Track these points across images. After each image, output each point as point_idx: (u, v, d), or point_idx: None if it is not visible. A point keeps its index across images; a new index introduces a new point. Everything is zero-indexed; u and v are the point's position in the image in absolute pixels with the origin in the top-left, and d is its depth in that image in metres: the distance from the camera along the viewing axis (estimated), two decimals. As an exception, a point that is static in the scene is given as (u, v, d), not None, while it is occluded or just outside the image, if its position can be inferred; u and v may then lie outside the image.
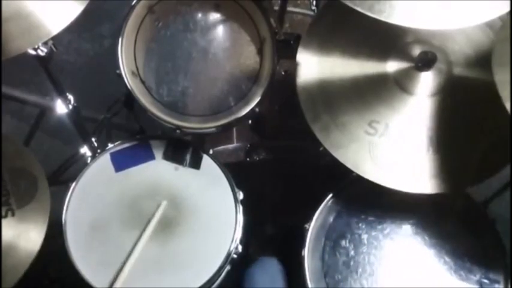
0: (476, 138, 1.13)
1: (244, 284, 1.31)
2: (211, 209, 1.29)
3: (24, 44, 0.96)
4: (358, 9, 0.87)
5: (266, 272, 1.33)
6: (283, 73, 1.40)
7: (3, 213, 1.10)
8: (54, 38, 1.03)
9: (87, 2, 0.99)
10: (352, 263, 1.21)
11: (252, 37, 1.35)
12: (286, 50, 1.33)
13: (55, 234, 1.20)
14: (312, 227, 1.24)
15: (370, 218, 1.26)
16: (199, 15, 1.36)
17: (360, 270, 1.20)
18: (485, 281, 1.18)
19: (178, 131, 1.32)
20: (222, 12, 1.36)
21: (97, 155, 1.35)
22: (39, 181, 1.16)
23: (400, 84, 1.17)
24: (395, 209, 1.25)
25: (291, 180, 1.58)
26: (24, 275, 1.05)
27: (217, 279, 1.23)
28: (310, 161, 1.50)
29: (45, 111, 1.86)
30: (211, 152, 1.37)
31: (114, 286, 1.17)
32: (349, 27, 1.23)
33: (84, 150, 1.44)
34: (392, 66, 1.18)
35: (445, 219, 1.25)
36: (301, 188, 1.54)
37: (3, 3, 0.93)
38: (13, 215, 1.11)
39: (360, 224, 1.26)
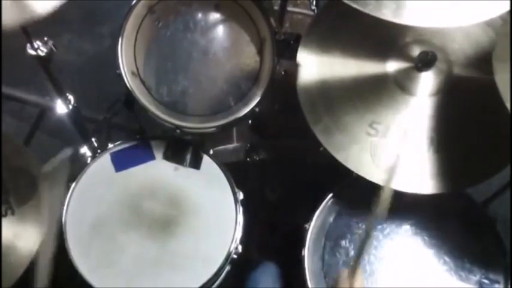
0: (477, 138, 1.13)
1: None
2: (211, 209, 1.29)
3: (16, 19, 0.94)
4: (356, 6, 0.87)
5: (269, 278, 1.32)
6: (283, 73, 1.40)
7: (3, 212, 1.10)
8: (54, 38, 1.03)
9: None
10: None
11: (252, 37, 1.35)
12: (286, 50, 1.33)
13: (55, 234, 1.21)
14: (312, 227, 1.24)
15: (370, 218, 1.26)
16: (199, 15, 1.36)
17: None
18: (485, 281, 1.18)
19: (178, 131, 1.32)
20: (222, 12, 1.36)
21: (97, 155, 1.35)
22: (39, 179, 1.16)
23: (400, 84, 1.17)
24: (395, 209, 1.25)
25: (291, 180, 1.58)
26: (24, 274, 1.05)
27: (217, 279, 1.23)
28: (310, 161, 1.50)
29: (45, 111, 1.86)
30: (211, 152, 1.37)
31: (114, 286, 1.17)
32: (349, 27, 1.23)
33: (84, 150, 1.44)
34: (392, 66, 1.18)
35: (445, 219, 1.25)
36: (301, 188, 1.54)
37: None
38: (13, 213, 1.11)
39: (360, 224, 1.26)
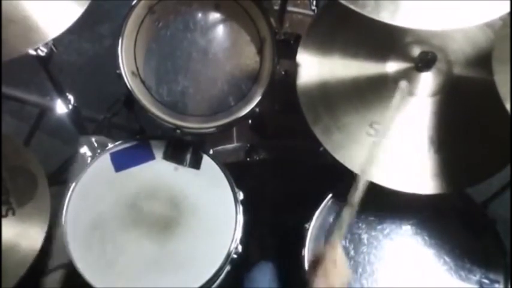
0: (476, 138, 1.13)
1: None
2: (211, 209, 1.29)
3: (22, 47, 0.96)
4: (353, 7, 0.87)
5: (266, 277, 1.32)
6: (283, 73, 1.40)
7: (3, 212, 1.10)
8: (54, 38, 1.03)
9: (86, 4, 0.99)
10: (352, 263, 1.21)
11: (252, 37, 1.35)
12: (286, 50, 1.33)
13: (55, 234, 1.21)
14: (312, 227, 1.24)
15: (370, 218, 1.26)
16: (199, 15, 1.36)
17: (360, 270, 1.20)
18: (485, 281, 1.18)
19: (178, 131, 1.32)
20: (222, 12, 1.36)
21: (97, 155, 1.35)
22: (39, 179, 1.16)
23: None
24: (395, 209, 1.25)
25: (291, 180, 1.58)
26: (25, 274, 1.05)
27: (217, 279, 1.23)
28: (310, 161, 1.50)
29: (45, 111, 1.86)
30: (211, 152, 1.37)
31: (114, 286, 1.17)
32: (349, 27, 1.23)
33: (84, 150, 1.44)
34: (392, 66, 1.18)
35: (445, 219, 1.25)
36: (301, 188, 1.54)
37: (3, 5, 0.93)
38: (13, 214, 1.11)
39: (360, 224, 1.26)
